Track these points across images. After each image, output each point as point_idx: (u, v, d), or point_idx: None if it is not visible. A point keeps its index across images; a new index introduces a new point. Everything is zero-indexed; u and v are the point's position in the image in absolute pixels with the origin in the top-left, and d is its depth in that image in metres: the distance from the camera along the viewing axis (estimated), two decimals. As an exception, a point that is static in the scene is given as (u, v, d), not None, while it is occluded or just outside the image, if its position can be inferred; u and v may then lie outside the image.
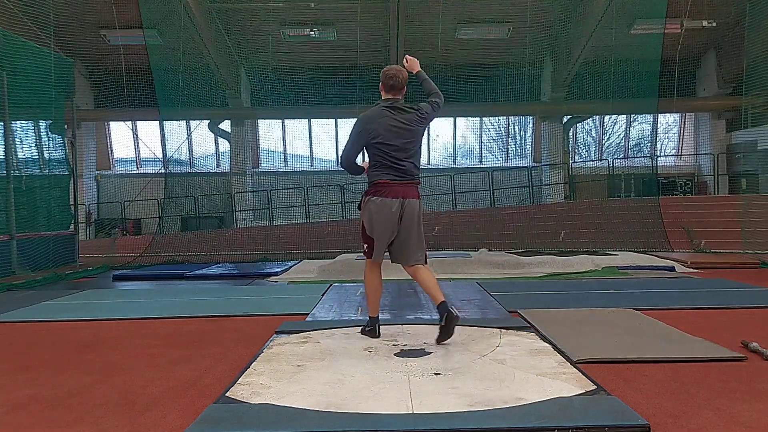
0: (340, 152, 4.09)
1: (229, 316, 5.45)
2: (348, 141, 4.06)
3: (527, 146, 20.44)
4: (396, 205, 3.92)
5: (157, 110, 14.57)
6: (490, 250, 11.39)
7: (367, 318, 4.24)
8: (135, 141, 20.19)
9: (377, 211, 3.94)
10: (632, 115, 19.50)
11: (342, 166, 4.14)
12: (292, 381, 3.14)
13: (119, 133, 20.40)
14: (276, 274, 9.11)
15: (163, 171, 15.75)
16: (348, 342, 4.04)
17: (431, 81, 4.23)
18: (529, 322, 4.67)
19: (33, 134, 10.89)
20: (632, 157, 19.40)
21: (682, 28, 14.65)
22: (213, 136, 19.32)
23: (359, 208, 4.09)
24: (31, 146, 10.73)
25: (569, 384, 2.99)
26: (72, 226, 11.49)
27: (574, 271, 8.77)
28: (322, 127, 19.64)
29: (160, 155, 16.92)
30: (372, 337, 4.12)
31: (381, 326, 4.25)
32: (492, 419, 2.51)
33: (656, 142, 20.00)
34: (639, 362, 3.51)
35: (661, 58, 13.40)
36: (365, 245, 4.07)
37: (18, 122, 10.32)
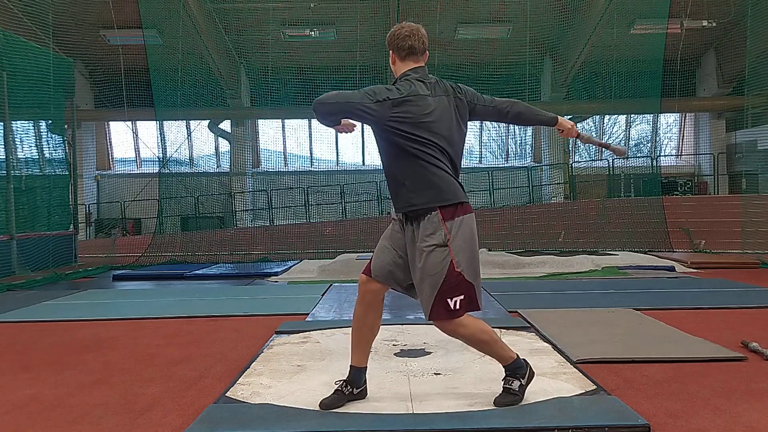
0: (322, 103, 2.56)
1: (229, 316, 5.45)
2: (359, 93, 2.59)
3: (527, 146, 20.44)
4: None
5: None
6: (490, 250, 11.39)
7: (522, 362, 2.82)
8: (135, 141, 20.19)
9: (471, 236, 2.74)
10: (632, 115, 19.51)
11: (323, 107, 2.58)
12: (292, 381, 3.14)
13: (119, 133, 20.40)
14: (276, 274, 9.11)
15: (164, 171, 15.75)
16: (348, 342, 4.02)
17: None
18: (529, 322, 4.66)
19: (33, 134, 10.90)
20: (633, 157, 19.39)
21: (682, 28, 14.65)
22: (213, 136, 19.32)
23: (440, 244, 2.62)
24: (31, 146, 10.74)
25: (569, 384, 2.99)
26: (72, 226, 11.49)
27: (574, 271, 8.76)
28: (322, 127, 19.61)
29: (159, 155, 16.92)
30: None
31: (381, 326, 4.22)
32: (492, 419, 2.51)
33: (657, 141, 20.00)
34: (639, 362, 3.51)
35: (662, 58, 13.42)
36: (461, 296, 2.62)
37: (18, 122, 10.32)
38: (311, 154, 19.97)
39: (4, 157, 9.55)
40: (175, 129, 17.33)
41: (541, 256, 10.24)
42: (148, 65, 13.70)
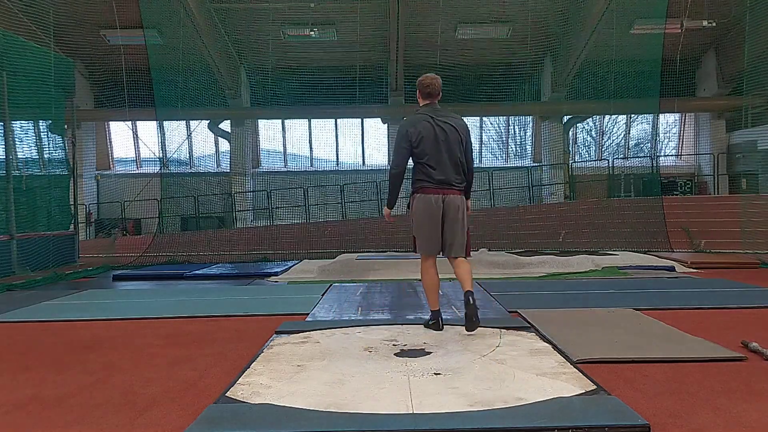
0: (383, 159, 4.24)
1: (229, 316, 5.45)
2: (394, 152, 4.29)
3: (527, 146, 20.44)
4: (438, 200, 4.16)
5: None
6: (490, 250, 11.38)
7: (430, 312, 4.41)
8: (135, 141, 20.20)
9: (422, 207, 4.21)
10: (632, 115, 19.52)
11: (392, 178, 4.32)
12: (292, 381, 3.14)
13: (119, 133, 20.40)
14: (276, 274, 9.10)
15: (164, 171, 15.77)
16: (348, 342, 4.04)
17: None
18: (529, 322, 4.66)
19: (33, 134, 10.90)
20: (633, 157, 19.40)
21: (682, 28, 14.66)
22: (213, 136, 19.32)
23: (409, 207, 4.40)
24: (31, 146, 10.74)
25: (569, 384, 2.99)
26: (72, 226, 11.49)
27: (574, 271, 8.76)
28: (322, 127, 19.65)
29: (159, 155, 16.94)
30: (436, 330, 4.28)
31: (381, 326, 4.25)
32: (492, 419, 2.51)
33: (657, 141, 20.01)
34: (639, 362, 3.50)
35: (661, 58, 13.43)
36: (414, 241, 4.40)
37: (18, 122, 10.32)
38: (311, 154, 19.98)
39: (4, 157, 9.55)
40: (175, 129, 17.34)
41: (541, 256, 10.24)
42: (149, 65, 13.71)
